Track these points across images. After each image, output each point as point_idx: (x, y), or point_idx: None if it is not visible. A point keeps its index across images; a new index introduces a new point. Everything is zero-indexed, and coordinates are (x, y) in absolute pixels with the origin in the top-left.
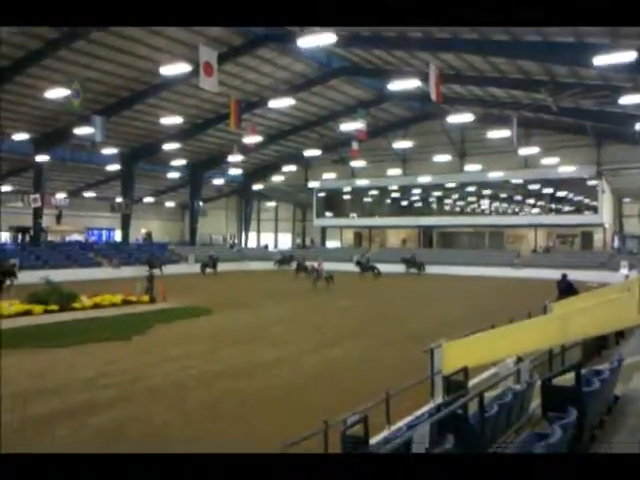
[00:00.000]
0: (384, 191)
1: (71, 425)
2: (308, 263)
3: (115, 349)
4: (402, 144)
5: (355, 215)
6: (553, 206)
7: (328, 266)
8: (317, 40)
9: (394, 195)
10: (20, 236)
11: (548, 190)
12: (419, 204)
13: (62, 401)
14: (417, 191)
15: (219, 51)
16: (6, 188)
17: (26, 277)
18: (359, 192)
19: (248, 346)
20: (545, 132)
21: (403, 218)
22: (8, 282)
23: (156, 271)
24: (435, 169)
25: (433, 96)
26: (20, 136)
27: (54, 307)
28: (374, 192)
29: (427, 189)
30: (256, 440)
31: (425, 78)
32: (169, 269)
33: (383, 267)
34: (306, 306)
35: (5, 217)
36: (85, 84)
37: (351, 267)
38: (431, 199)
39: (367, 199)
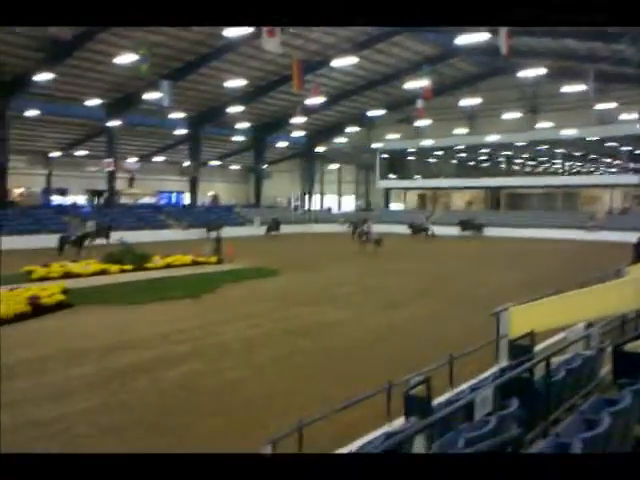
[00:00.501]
0: (450, 151)
1: (149, 378)
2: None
3: (187, 307)
4: (469, 101)
5: (419, 176)
6: (631, 165)
7: (393, 229)
8: None
9: (460, 155)
10: (95, 199)
11: (626, 148)
12: (486, 164)
13: (139, 355)
14: (485, 150)
15: None
16: (81, 152)
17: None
18: (424, 153)
19: (313, 307)
20: (624, 86)
21: (469, 179)
22: (87, 242)
23: (212, 234)
24: (504, 127)
25: (503, 50)
26: (93, 102)
27: (129, 267)
28: (439, 152)
29: (495, 148)
30: (323, 399)
31: (494, 31)
32: (235, 231)
33: (446, 230)
34: (368, 268)
35: (81, 180)
36: (152, 49)
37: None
38: (499, 159)
39: (432, 160)
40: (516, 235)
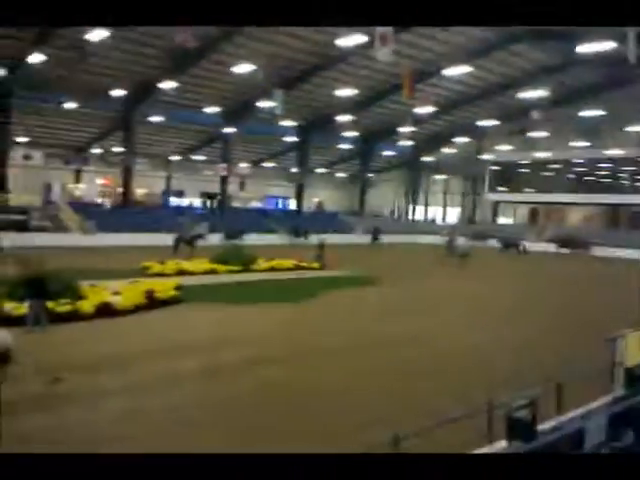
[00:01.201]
0: (566, 165)
1: (250, 374)
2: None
3: (287, 310)
4: (591, 113)
5: (532, 190)
6: None
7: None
8: None
9: (578, 169)
10: (209, 201)
11: None
12: (607, 180)
13: (240, 353)
14: (606, 165)
15: None
16: (199, 157)
17: (213, 239)
18: (537, 165)
19: (414, 317)
20: None
21: (587, 195)
22: (200, 242)
23: (301, 239)
24: (628, 141)
25: (632, 58)
26: (211, 109)
27: (236, 268)
28: (555, 166)
29: (618, 163)
30: (423, 413)
31: (622, 39)
32: (338, 238)
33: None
34: (469, 279)
35: (197, 184)
36: (268, 59)
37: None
38: (622, 174)
39: (546, 173)
40: (637, 257)
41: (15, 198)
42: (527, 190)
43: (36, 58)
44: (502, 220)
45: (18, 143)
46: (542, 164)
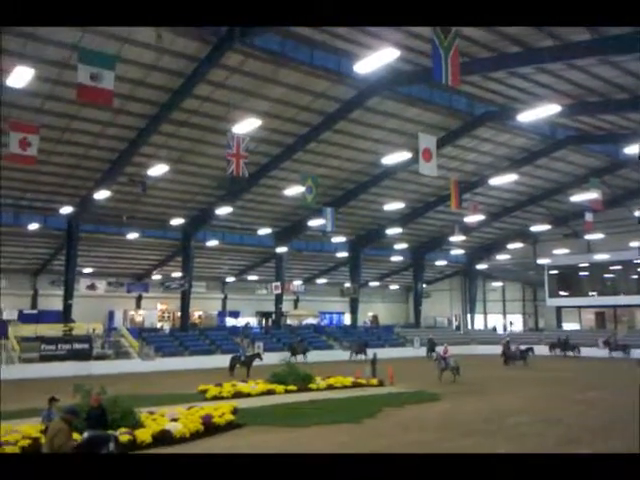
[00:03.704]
0: (628, 265)
1: None
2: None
3: (349, 431)
4: None
5: (595, 293)
6: None
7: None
8: (539, 113)
9: None
10: (264, 320)
11: None
12: None
13: None
14: None
15: (437, 136)
16: (253, 277)
17: (270, 358)
18: (598, 268)
19: (481, 438)
20: None
21: None
22: (255, 362)
23: (299, 358)
24: None
25: None
26: (264, 231)
27: (293, 387)
28: (616, 267)
29: None
30: None
31: None
32: (395, 352)
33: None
34: (543, 395)
35: (252, 303)
36: (317, 180)
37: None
38: None
39: (608, 275)
40: None
41: (79, 327)
42: (591, 294)
43: (101, 195)
44: (567, 326)
45: (83, 274)
46: (603, 266)
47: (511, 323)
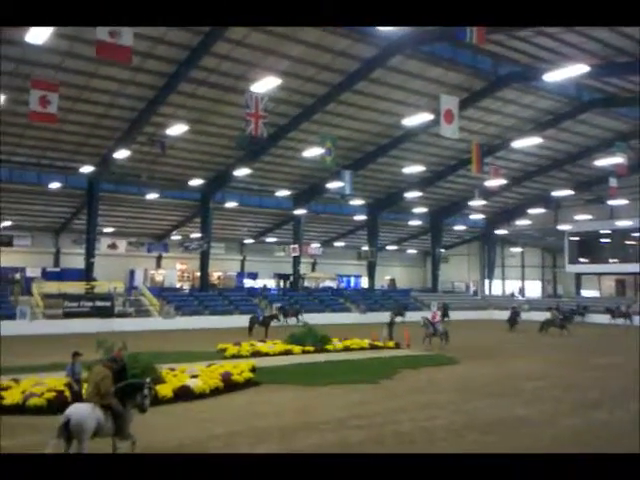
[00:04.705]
0: None
1: None
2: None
3: (365, 392)
4: None
5: (616, 260)
6: None
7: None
8: (566, 73)
9: None
10: (282, 282)
11: None
12: None
13: (321, 438)
14: None
15: (460, 97)
16: (271, 239)
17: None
18: (620, 234)
19: (496, 400)
20: None
21: None
22: (274, 323)
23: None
24: None
25: None
26: (282, 193)
27: (310, 348)
28: (638, 234)
29: None
30: None
31: None
32: (412, 315)
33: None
34: (559, 360)
35: (270, 265)
36: (336, 142)
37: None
38: None
39: (630, 242)
40: None
41: (100, 285)
42: (612, 260)
43: (120, 154)
44: (587, 293)
45: (104, 233)
46: (625, 233)
47: (520, 290)
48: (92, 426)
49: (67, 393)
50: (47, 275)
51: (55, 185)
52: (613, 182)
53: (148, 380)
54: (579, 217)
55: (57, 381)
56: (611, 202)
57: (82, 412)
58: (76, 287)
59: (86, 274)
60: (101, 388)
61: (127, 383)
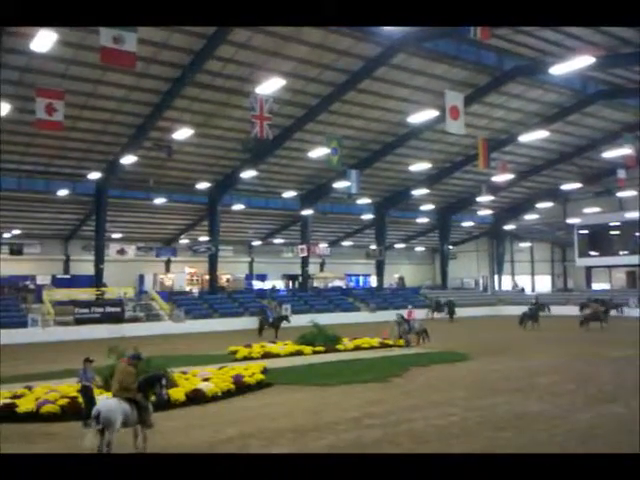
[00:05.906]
0: None
1: None
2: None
3: (376, 390)
4: None
5: (626, 252)
6: None
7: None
8: (571, 65)
9: None
10: (290, 283)
11: None
12: None
13: (335, 438)
14: None
15: (465, 93)
16: (279, 240)
17: (296, 320)
18: (630, 226)
19: (510, 396)
20: None
21: None
22: (283, 324)
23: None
24: None
25: None
26: (289, 194)
27: (320, 348)
28: None
29: None
30: None
31: None
32: (422, 313)
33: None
34: (571, 355)
35: (279, 266)
36: (342, 142)
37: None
38: None
39: None
40: None
41: (110, 290)
42: (622, 253)
43: (127, 160)
44: (597, 286)
45: (112, 239)
46: (635, 224)
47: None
48: (120, 418)
49: (80, 399)
50: (57, 282)
51: (63, 192)
52: (621, 174)
53: (166, 371)
54: (588, 210)
55: (70, 387)
56: (620, 194)
57: (110, 406)
58: (86, 293)
59: (96, 280)
60: (124, 382)
61: (147, 376)
